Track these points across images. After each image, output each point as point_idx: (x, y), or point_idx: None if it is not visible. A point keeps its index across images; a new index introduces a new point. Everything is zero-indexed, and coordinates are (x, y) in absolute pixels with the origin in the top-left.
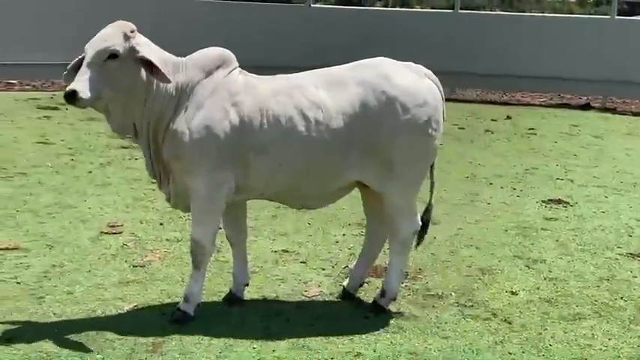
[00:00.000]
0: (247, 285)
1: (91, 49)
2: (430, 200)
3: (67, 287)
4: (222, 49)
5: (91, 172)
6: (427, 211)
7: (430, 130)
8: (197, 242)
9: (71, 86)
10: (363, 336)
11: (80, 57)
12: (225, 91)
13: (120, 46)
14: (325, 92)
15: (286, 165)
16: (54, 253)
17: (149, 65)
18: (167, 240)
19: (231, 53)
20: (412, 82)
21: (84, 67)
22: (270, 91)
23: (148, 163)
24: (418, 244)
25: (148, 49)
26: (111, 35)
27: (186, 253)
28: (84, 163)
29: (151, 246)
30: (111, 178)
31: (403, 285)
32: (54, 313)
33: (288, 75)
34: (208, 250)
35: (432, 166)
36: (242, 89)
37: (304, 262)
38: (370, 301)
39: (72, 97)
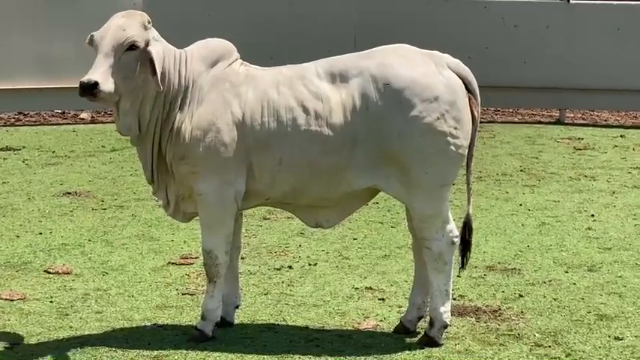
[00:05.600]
0: (238, 307)
1: (108, 38)
2: (468, 211)
3: (98, 308)
4: (222, 39)
5: None
6: (466, 225)
7: (445, 129)
8: (209, 252)
9: (89, 76)
10: None
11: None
12: (227, 83)
13: (140, 37)
14: (327, 82)
15: (286, 162)
16: (105, 279)
17: (151, 66)
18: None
19: (231, 44)
20: (423, 73)
21: (100, 58)
22: (271, 81)
23: (148, 167)
24: (463, 265)
25: (159, 46)
26: (129, 24)
27: (252, 285)
28: None
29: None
30: None
31: (483, 324)
32: (70, 327)
33: (296, 65)
34: (222, 261)
35: (468, 171)
36: (244, 80)
37: (382, 300)
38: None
39: (90, 90)
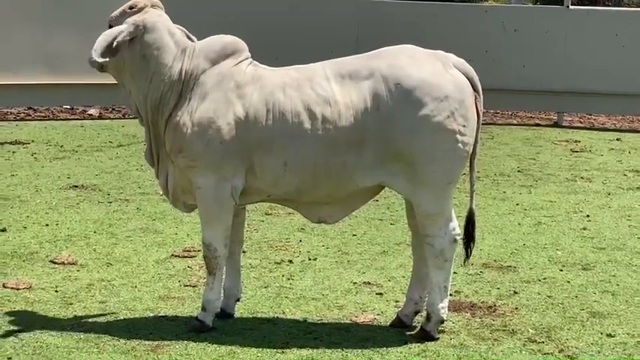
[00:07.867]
0: (239, 300)
1: None
2: (471, 206)
3: (102, 298)
4: (233, 37)
5: None
6: (469, 220)
7: (454, 127)
8: (208, 245)
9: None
10: (385, 356)
11: None
12: (231, 81)
13: (115, 18)
14: (336, 85)
15: (291, 164)
16: (109, 270)
17: None
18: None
19: (242, 42)
20: (432, 73)
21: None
22: (278, 83)
23: (147, 148)
24: (468, 256)
25: (128, 28)
26: (120, 8)
27: (252, 278)
28: None
29: None
30: None
31: (478, 319)
32: (74, 316)
33: (304, 66)
34: (221, 253)
35: (471, 168)
36: (250, 80)
37: (380, 294)
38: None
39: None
